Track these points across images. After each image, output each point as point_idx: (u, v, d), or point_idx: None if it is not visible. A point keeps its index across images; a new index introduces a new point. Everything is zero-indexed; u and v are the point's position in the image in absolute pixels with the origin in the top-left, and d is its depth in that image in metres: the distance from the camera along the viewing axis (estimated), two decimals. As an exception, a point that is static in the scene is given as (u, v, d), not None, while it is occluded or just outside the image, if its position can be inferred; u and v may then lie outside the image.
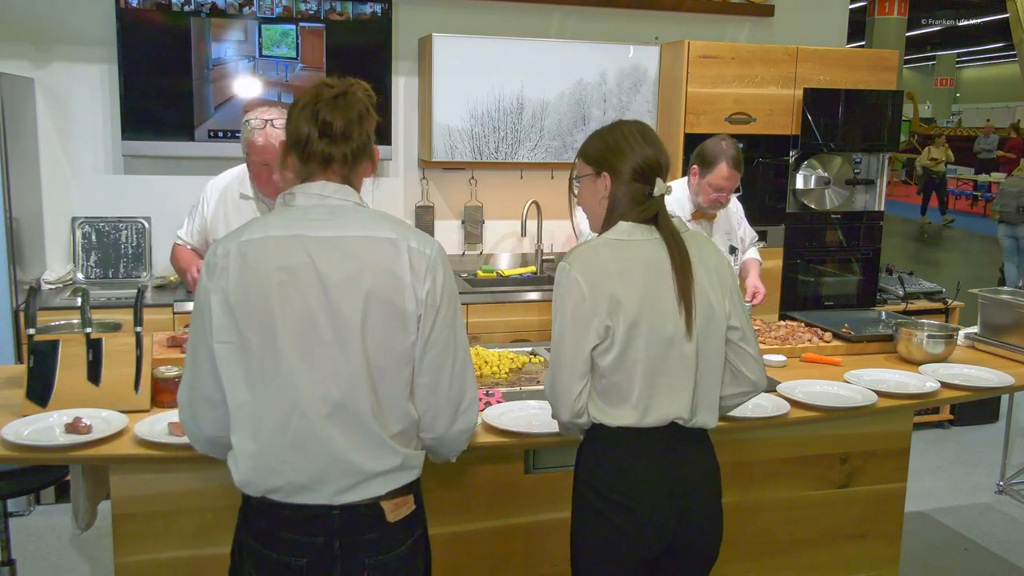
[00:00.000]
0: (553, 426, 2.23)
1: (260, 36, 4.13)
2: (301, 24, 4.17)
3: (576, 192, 1.99)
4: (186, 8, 3.99)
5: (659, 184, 1.85)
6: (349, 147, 1.62)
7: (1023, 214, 8.15)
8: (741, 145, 4.44)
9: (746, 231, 3.56)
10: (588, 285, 1.80)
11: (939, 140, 15.57)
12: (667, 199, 3.38)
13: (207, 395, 1.61)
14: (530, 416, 2.28)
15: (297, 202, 1.63)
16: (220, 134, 4.13)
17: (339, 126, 1.60)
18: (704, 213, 3.31)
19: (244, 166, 2.86)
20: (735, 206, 3.49)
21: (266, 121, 2.69)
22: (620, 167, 1.85)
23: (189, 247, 3.02)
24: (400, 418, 1.63)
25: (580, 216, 2.09)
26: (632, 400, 1.83)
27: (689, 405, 1.86)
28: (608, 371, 1.83)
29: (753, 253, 3.57)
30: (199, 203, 2.99)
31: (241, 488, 1.63)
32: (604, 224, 1.90)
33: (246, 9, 4.08)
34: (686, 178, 3.31)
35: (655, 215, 1.86)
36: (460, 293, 4.43)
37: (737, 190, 3.24)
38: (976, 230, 14.47)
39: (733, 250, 3.43)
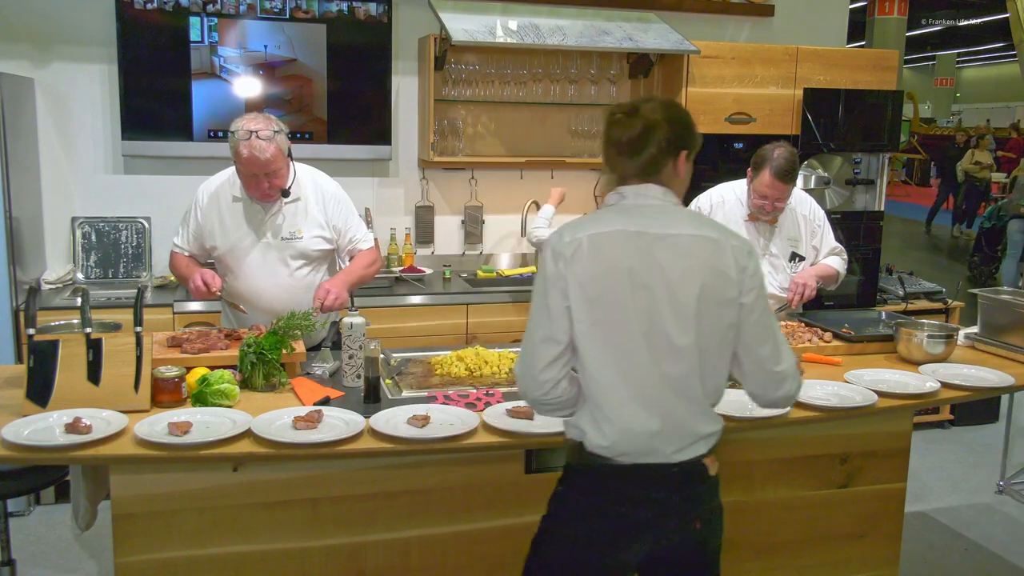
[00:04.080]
0: (554, 426, 2.23)
1: (256, 35, 4.13)
2: (300, 24, 4.18)
3: None
4: (183, 5, 4.00)
5: None
6: (639, 160, 1.84)
7: None
8: (739, 145, 4.49)
9: (824, 241, 3.42)
10: None
11: (984, 142, 13.94)
12: (726, 199, 3.42)
13: (548, 335, 1.81)
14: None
15: (627, 201, 1.86)
16: (220, 134, 4.13)
17: (619, 143, 1.84)
18: (755, 217, 3.30)
19: (234, 169, 2.86)
20: (815, 214, 3.41)
21: (251, 132, 2.70)
22: None
23: (187, 254, 3.02)
24: (717, 390, 1.88)
25: None
26: None
27: None
28: None
29: (828, 260, 3.41)
30: (191, 209, 2.99)
31: (603, 453, 1.83)
32: None
33: (243, 7, 4.08)
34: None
35: None
36: (459, 293, 4.46)
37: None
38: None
39: (794, 257, 3.37)
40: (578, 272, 1.78)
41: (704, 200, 3.43)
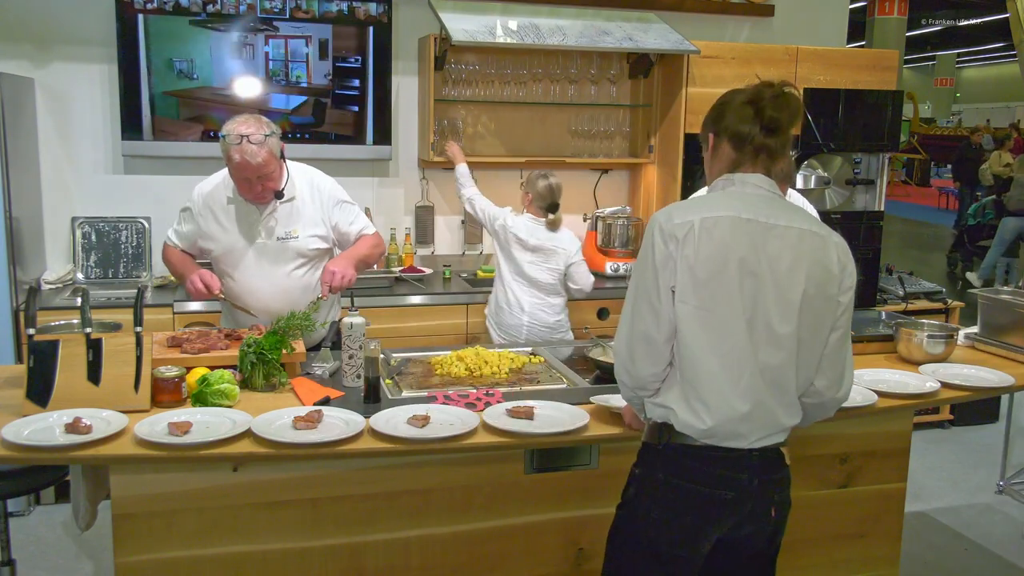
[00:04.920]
0: (554, 426, 2.23)
1: (258, 35, 4.13)
2: (300, 24, 4.18)
3: None
4: (183, 5, 4.00)
5: None
6: (778, 141, 1.88)
7: None
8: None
9: None
10: None
11: (1009, 143, 13.37)
12: None
13: (644, 332, 1.83)
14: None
15: (735, 188, 1.87)
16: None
17: (779, 122, 1.87)
18: None
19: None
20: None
21: (242, 137, 2.69)
22: None
23: (180, 248, 3.02)
24: (806, 382, 1.88)
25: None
26: None
27: None
28: None
29: None
30: (188, 208, 2.98)
31: (691, 434, 1.83)
32: None
33: (243, 7, 4.08)
34: None
35: None
36: (459, 293, 4.45)
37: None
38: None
39: None
40: (688, 254, 1.78)
41: None
